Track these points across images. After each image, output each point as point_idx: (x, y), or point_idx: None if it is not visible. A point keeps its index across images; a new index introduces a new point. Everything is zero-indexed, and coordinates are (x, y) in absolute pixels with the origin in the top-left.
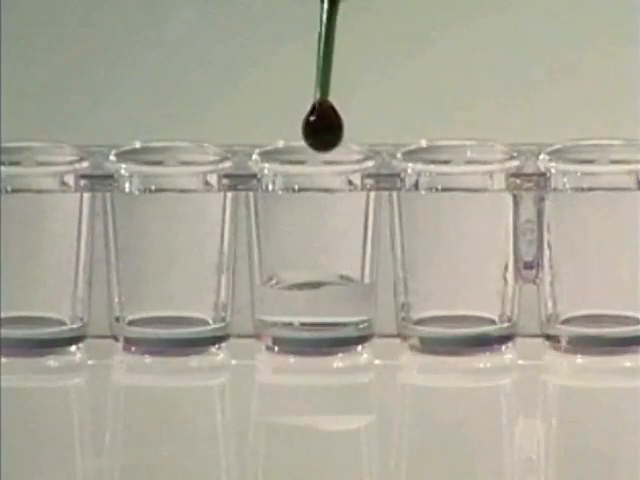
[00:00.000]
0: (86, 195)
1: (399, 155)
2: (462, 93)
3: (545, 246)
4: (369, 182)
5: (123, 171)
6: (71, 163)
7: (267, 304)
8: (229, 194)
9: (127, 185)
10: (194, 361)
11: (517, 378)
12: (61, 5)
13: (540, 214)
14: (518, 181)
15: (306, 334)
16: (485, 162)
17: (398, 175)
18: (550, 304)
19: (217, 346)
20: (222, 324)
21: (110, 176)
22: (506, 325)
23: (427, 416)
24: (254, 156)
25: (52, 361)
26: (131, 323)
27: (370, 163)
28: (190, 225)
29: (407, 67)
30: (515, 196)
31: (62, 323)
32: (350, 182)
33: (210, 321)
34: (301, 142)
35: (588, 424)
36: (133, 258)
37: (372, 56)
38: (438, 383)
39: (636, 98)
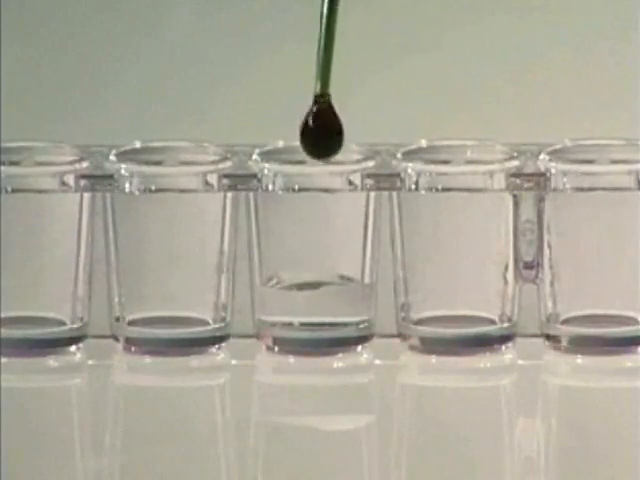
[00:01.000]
0: (86, 195)
1: (399, 155)
2: (462, 93)
3: (545, 246)
4: (369, 182)
5: (123, 171)
6: (71, 163)
7: (267, 304)
8: (229, 194)
9: (127, 185)
10: (194, 361)
11: (517, 378)
12: (61, 5)
13: (540, 214)
14: (518, 181)
15: (306, 334)
16: (485, 162)
17: (398, 175)
18: (550, 304)
19: (217, 346)
20: (222, 324)
21: (110, 176)
22: (506, 325)
23: (427, 416)
24: (254, 156)
25: (52, 361)
26: (131, 323)
27: (370, 163)
28: (190, 225)
29: (407, 67)
30: (515, 196)
31: (62, 323)
32: (350, 182)
33: (210, 321)
34: None
35: (588, 424)
36: (133, 258)
37: (372, 56)
38: (438, 383)
39: (636, 98)
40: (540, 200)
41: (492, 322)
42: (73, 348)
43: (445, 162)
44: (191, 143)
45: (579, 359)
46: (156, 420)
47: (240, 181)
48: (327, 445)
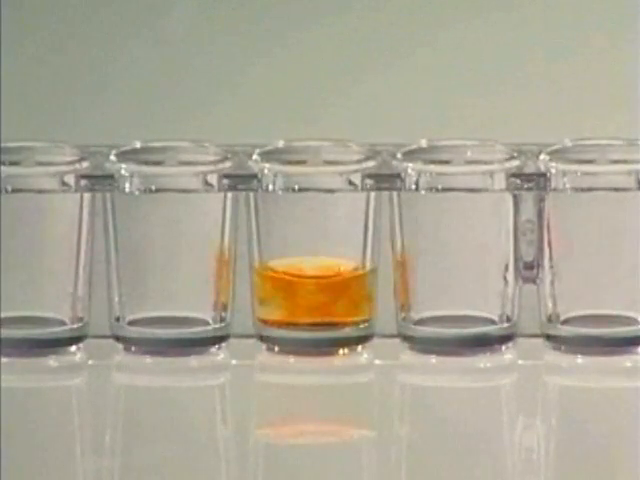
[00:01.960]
0: (86, 195)
1: (399, 155)
2: (462, 93)
3: (545, 246)
4: (369, 182)
5: (123, 171)
6: (71, 163)
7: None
8: (229, 194)
9: (127, 185)
10: (194, 361)
11: (517, 378)
12: (61, 5)
13: (540, 214)
14: (518, 181)
15: (306, 334)
16: (485, 162)
17: (398, 175)
18: (550, 304)
19: (217, 346)
20: (222, 324)
21: (110, 176)
22: (506, 325)
23: (427, 416)
24: (254, 156)
25: (52, 361)
26: (131, 323)
27: (370, 163)
28: (190, 225)
29: (407, 67)
30: (515, 196)
31: (62, 323)
32: (350, 182)
33: (210, 321)
34: (301, 142)
35: (588, 424)
36: (133, 258)
37: (372, 56)
38: (438, 383)
39: (636, 98)
40: (540, 200)
41: (492, 322)
42: (73, 348)
43: (445, 162)
44: (191, 143)
45: (579, 359)
46: (156, 420)
47: (240, 181)
48: (327, 445)
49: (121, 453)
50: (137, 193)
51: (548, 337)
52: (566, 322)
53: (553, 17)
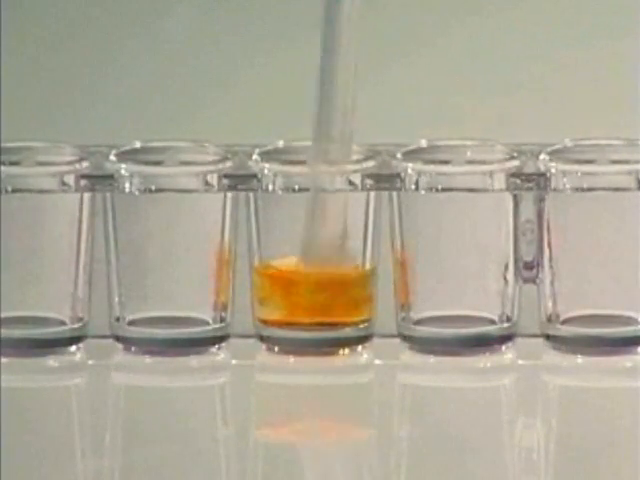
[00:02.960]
0: (86, 195)
1: (399, 155)
2: (462, 93)
3: (545, 246)
4: (369, 182)
5: (123, 171)
6: (71, 163)
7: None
8: (229, 194)
9: (127, 185)
10: (194, 361)
11: (517, 378)
12: (61, 5)
13: (540, 214)
14: (518, 181)
15: (306, 334)
16: (485, 162)
17: (398, 175)
18: (550, 304)
19: (217, 346)
20: (222, 324)
21: (110, 176)
22: (506, 325)
23: (427, 416)
24: (254, 156)
25: (52, 361)
26: (131, 323)
27: (370, 163)
28: (190, 225)
29: (407, 67)
30: (515, 196)
31: (62, 323)
32: (350, 182)
33: (210, 321)
34: (301, 142)
35: (588, 424)
36: (133, 258)
37: (372, 56)
38: (438, 383)
39: (636, 98)
40: (540, 200)
41: (492, 322)
42: (73, 348)
43: (445, 162)
44: (191, 143)
45: (579, 359)
46: (156, 420)
47: (240, 181)
48: (327, 445)
49: (121, 453)
50: (137, 193)
51: (548, 337)
52: (566, 322)
53: (553, 17)
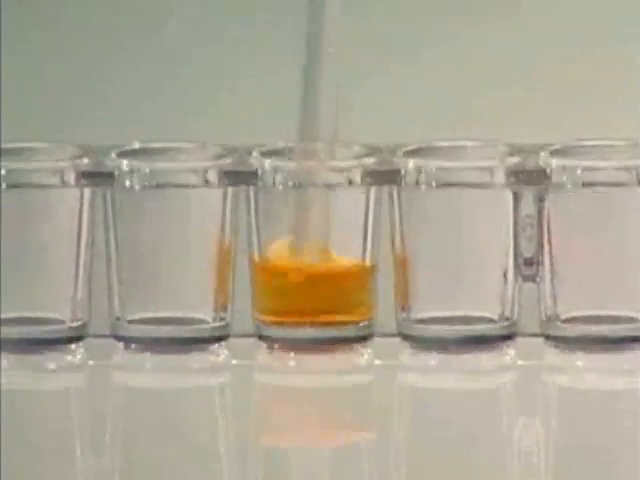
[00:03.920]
0: (87, 191)
1: (399, 155)
2: (462, 93)
3: (545, 243)
4: (369, 179)
5: (124, 167)
6: (71, 159)
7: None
8: (229, 191)
9: (127, 182)
10: (194, 361)
11: (517, 378)
12: (61, 5)
13: (540, 211)
14: (519, 177)
15: (306, 333)
16: (485, 158)
17: (398, 171)
18: (550, 303)
19: (217, 345)
20: (222, 324)
21: (110, 173)
22: (506, 324)
23: (427, 416)
24: (254, 153)
25: (52, 360)
26: (131, 322)
27: (370, 160)
28: (190, 221)
29: (407, 67)
30: (515, 193)
31: (62, 322)
32: (350, 179)
33: (210, 321)
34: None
35: (588, 424)
36: (133, 256)
37: (372, 56)
38: (438, 383)
39: (636, 98)
40: (540, 196)
41: (492, 322)
42: (73, 347)
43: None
44: (191, 143)
45: (579, 359)
46: (156, 420)
47: (240, 177)
48: (327, 445)
49: (121, 453)
50: (137, 189)
51: (548, 336)
52: (566, 321)
53: (553, 17)
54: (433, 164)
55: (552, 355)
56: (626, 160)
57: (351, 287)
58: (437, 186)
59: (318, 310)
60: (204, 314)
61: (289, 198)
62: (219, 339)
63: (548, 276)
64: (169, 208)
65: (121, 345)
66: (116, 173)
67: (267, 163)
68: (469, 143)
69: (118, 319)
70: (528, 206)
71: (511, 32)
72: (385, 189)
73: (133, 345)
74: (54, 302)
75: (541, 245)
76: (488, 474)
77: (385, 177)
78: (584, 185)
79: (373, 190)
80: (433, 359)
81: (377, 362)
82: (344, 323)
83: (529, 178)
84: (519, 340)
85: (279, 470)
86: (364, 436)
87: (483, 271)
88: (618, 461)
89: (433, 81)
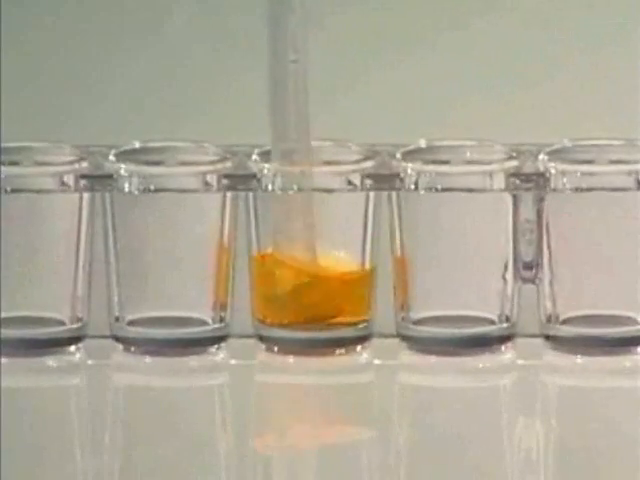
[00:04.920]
0: (86, 195)
1: (398, 155)
2: (462, 93)
3: (544, 246)
4: (369, 182)
5: (123, 171)
6: (71, 163)
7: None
8: (229, 194)
9: (126, 185)
10: (194, 361)
11: (517, 378)
12: (61, 5)
13: (540, 214)
14: (518, 181)
15: (306, 334)
16: (485, 162)
17: (398, 175)
18: (550, 304)
19: (217, 346)
20: (222, 324)
21: (110, 176)
22: (506, 325)
23: (427, 416)
24: (254, 156)
25: (52, 361)
26: (131, 323)
27: (370, 163)
28: (190, 225)
29: (407, 67)
30: (515, 196)
31: (62, 323)
32: (349, 182)
33: (210, 321)
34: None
35: (588, 424)
36: (133, 258)
37: (372, 56)
38: (438, 383)
39: (636, 98)
40: (539, 200)
41: (491, 322)
42: (73, 348)
43: (445, 162)
44: (191, 143)
45: (579, 359)
46: (155, 420)
47: (240, 181)
48: (327, 445)
49: (120, 453)
50: (136, 193)
51: (547, 337)
52: (565, 322)
53: (553, 17)
54: (432, 168)
55: (551, 356)
56: (625, 164)
57: (350, 289)
58: (436, 190)
59: (317, 312)
60: (203, 315)
61: (276, 202)
62: (218, 340)
63: (547, 278)
64: (168, 211)
65: (120, 346)
66: (115, 176)
67: (266, 167)
68: (468, 143)
69: (117, 320)
70: (527, 210)
71: (511, 32)
72: (384, 192)
73: (132, 346)
74: (54, 303)
75: (540, 248)
76: (487, 474)
77: (384, 180)
78: (583, 189)
79: (372, 193)
80: (432, 360)
81: (376, 362)
82: (343, 324)
83: (528, 182)
84: (518, 341)
85: (279, 470)
86: (363, 437)
87: (482, 273)
88: (618, 461)
89: (433, 81)
